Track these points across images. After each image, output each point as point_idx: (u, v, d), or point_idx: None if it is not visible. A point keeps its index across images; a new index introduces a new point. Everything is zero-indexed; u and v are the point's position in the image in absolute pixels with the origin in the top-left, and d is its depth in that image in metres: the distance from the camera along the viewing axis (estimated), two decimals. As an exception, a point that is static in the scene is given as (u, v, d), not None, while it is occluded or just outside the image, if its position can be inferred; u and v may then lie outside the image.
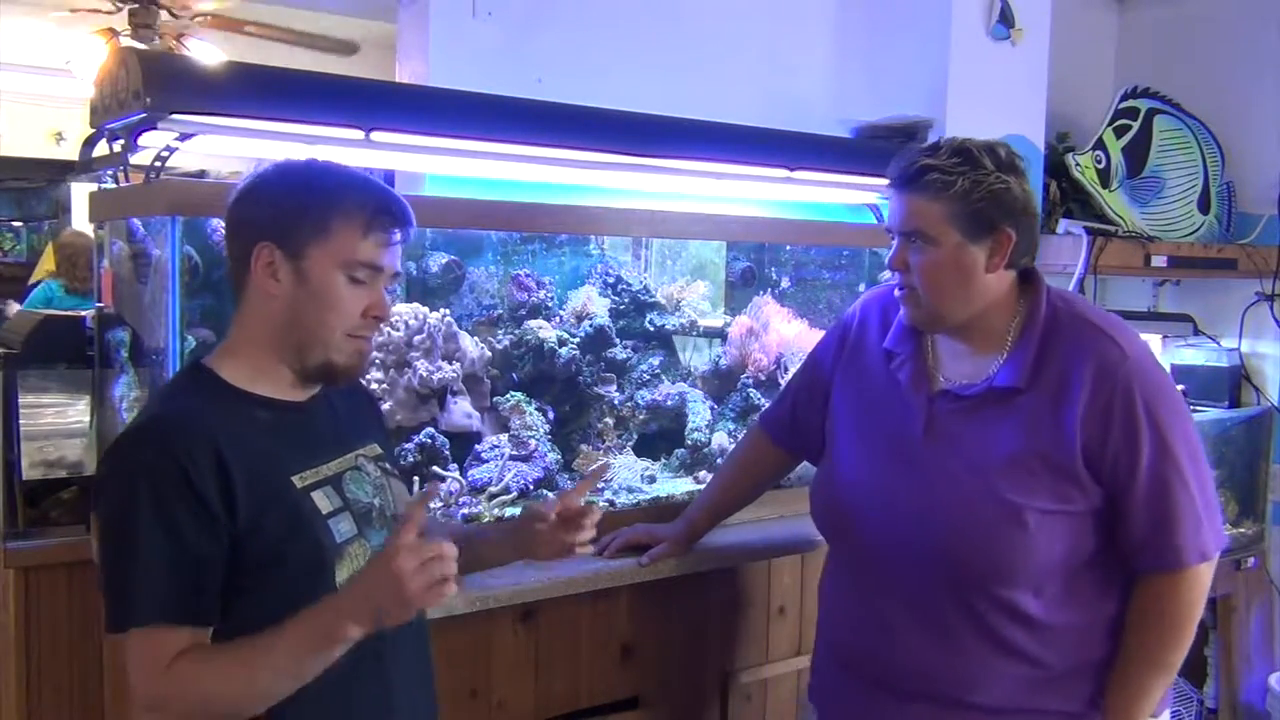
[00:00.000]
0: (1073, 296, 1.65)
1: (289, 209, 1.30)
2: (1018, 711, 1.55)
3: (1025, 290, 1.60)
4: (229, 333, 1.38)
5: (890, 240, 1.60)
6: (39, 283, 5.20)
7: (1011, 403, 1.54)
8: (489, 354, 2.16)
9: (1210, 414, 3.21)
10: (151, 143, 1.70)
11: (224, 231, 1.37)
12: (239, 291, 1.35)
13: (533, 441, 2.06)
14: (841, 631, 1.71)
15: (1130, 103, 3.20)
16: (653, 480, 2.21)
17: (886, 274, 1.72)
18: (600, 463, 2.13)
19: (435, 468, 1.98)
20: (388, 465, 1.48)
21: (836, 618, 1.73)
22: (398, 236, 1.34)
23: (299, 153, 1.42)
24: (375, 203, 1.32)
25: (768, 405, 2.03)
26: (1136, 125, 3.21)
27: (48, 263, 5.33)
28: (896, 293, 1.61)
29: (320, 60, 5.03)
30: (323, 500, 1.32)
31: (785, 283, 2.61)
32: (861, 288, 2.59)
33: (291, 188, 1.32)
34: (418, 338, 2.03)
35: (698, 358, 2.46)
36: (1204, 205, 3.35)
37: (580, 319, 2.27)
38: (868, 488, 1.65)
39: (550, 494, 2.03)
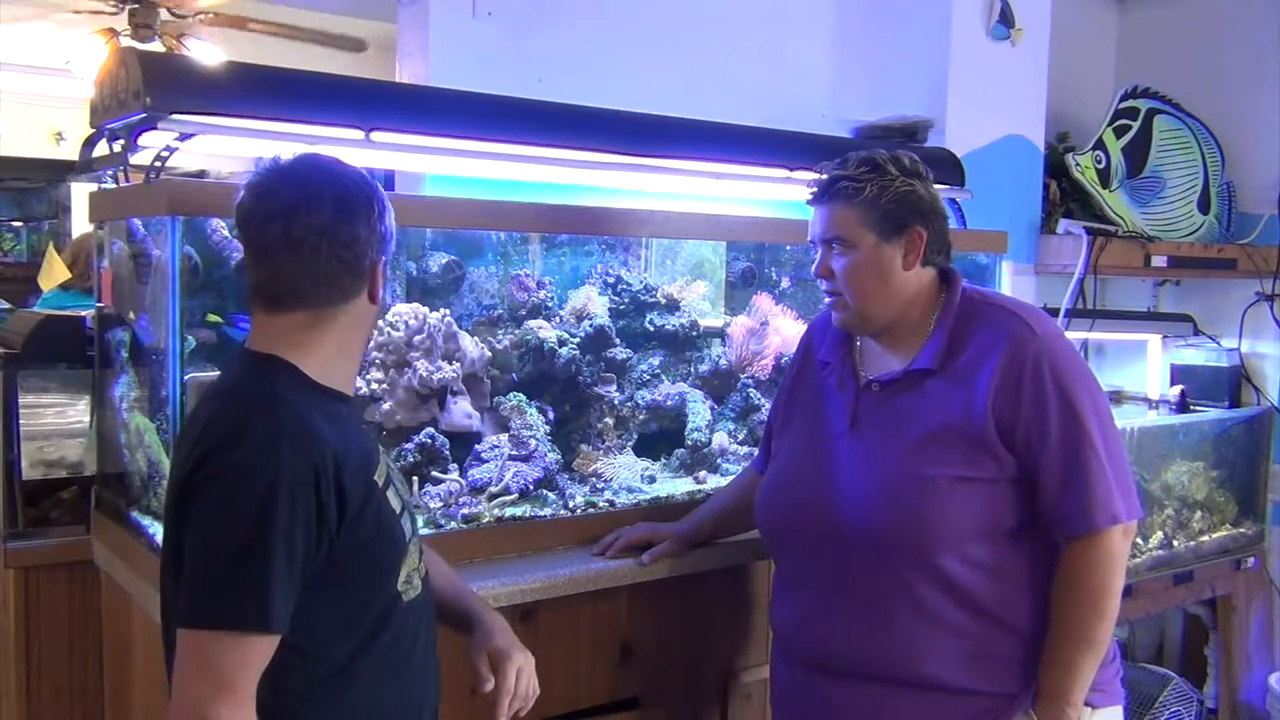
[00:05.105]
0: (989, 290, 1.78)
1: (386, 225, 1.35)
2: (955, 691, 1.60)
3: (944, 289, 1.71)
4: (306, 334, 1.30)
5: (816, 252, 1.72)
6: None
7: (926, 384, 1.64)
8: (489, 354, 2.16)
9: (1210, 414, 3.21)
10: (151, 143, 1.70)
11: (311, 242, 1.27)
12: (336, 300, 1.30)
13: (533, 441, 2.06)
14: (786, 625, 1.76)
15: (1130, 103, 3.20)
16: (653, 480, 2.21)
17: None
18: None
19: (433, 470, 1.98)
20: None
21: (780, 614, 1.78)
22: None
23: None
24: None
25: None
26: (1136, 125, 3.21)
27: (55, 267, 5.28)
28: (826, 300, 1.72)
29: (323, 59, 5.02)
30: (394, 499, 1.35)
31: (785, 283, 2.61)
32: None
33: (376, 200, 1.33)
34: (418, 338, 2.03)
35: (697, 357, 2.46)
36: (1204, 205, 3.36)
37: (580, 319, 2.27)
38: (799, 486, 1.73)
39: (550, 494, 2.03)
